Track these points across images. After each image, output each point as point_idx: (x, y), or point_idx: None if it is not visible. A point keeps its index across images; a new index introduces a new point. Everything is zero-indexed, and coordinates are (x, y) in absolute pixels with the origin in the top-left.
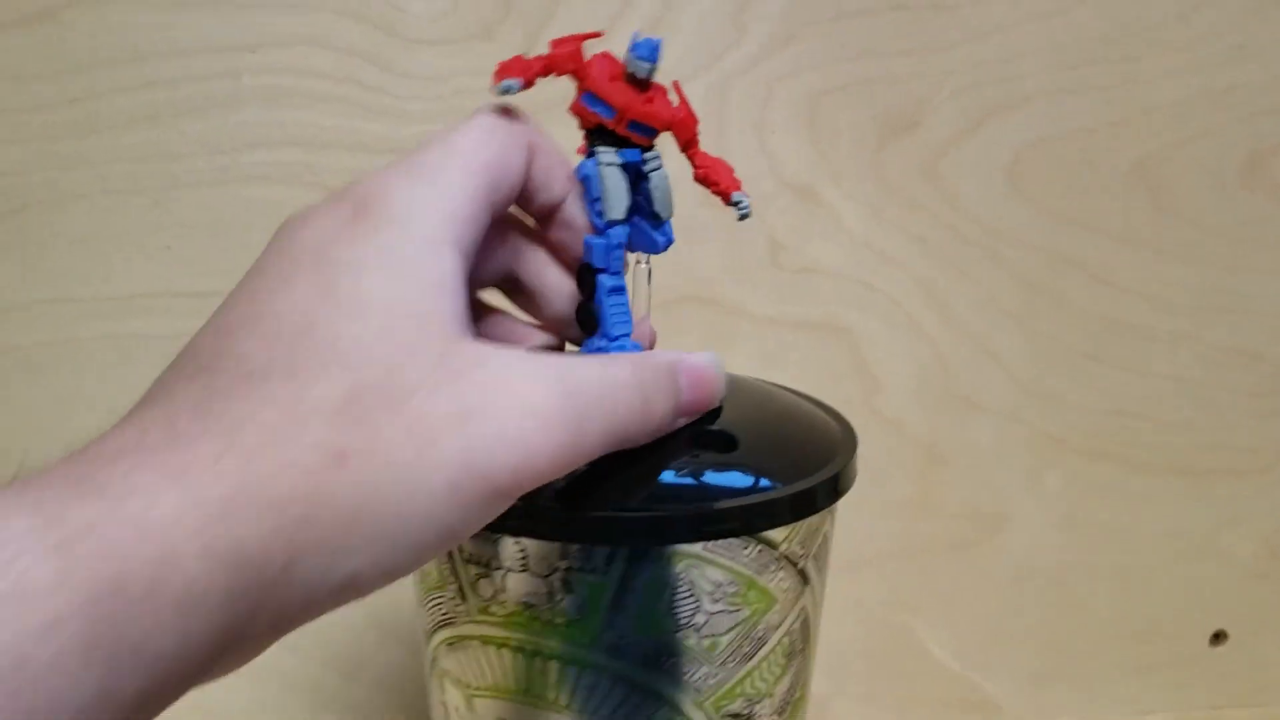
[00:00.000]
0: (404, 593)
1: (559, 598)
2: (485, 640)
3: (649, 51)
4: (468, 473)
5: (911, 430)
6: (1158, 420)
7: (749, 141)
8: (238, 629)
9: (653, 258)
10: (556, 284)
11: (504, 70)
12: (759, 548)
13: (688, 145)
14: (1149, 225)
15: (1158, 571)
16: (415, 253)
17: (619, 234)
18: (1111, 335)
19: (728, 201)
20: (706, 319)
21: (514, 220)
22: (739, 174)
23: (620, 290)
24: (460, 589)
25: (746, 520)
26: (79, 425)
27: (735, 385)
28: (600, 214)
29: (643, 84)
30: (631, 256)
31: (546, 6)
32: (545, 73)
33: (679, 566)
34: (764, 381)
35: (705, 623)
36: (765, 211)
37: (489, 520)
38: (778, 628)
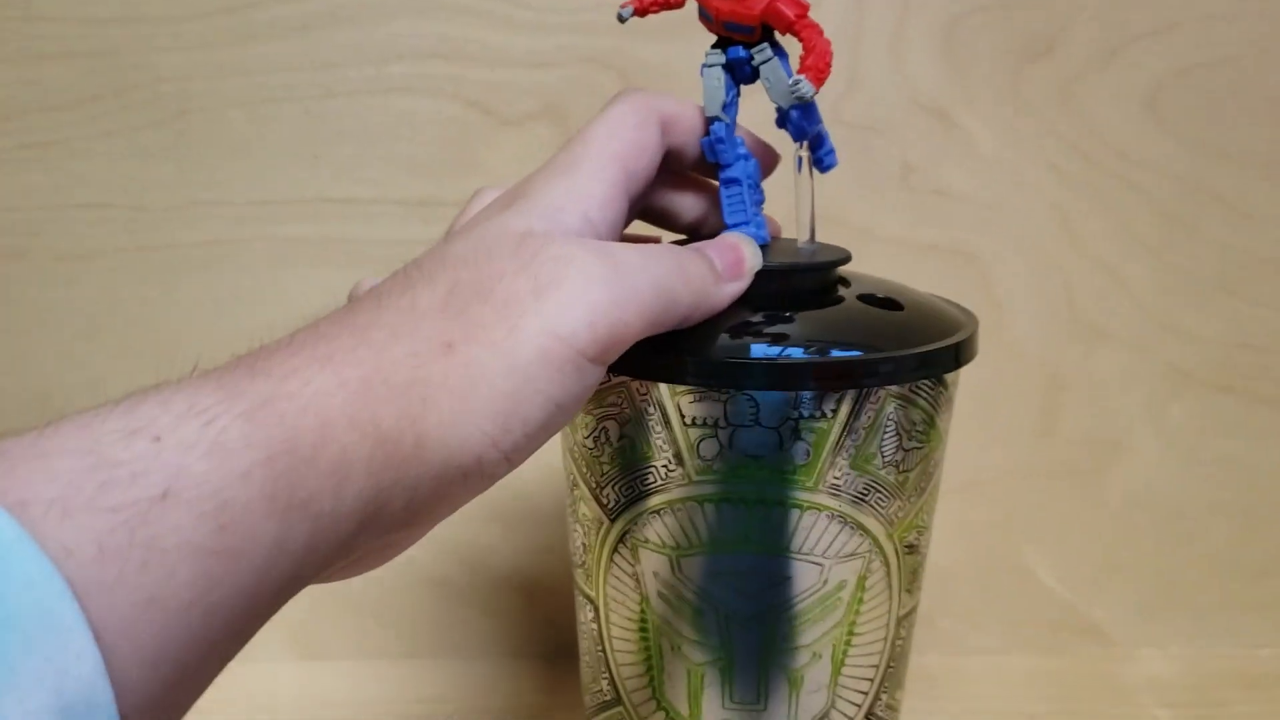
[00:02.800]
0: (526, 486)
1: (789, 445)
2: (704, 499)
3: None
4: (553, 338)
5: (1035, 356)
6: None
7: (883, 62)
8: (379, 501)
9: (778, 174)
10: (687, 202)
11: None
12: (940, 389)
13: (790, 31)
14: None
15: (1276, 508)
16: (532, 209)
17: (718, 128)
18: (1247, 268)
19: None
20: (834, 238)
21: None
22: (872, 92)
23: (734, 182)
24: (677, 454)
25: (939, 363)
26: (239, 326)
27: (872, 279)
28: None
29: None
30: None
31: None
32: (664, 8)
33: (890, 408)
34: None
35: (903, 459)
36: (899, 132)
37: (586, 388)
38: (940, 465)
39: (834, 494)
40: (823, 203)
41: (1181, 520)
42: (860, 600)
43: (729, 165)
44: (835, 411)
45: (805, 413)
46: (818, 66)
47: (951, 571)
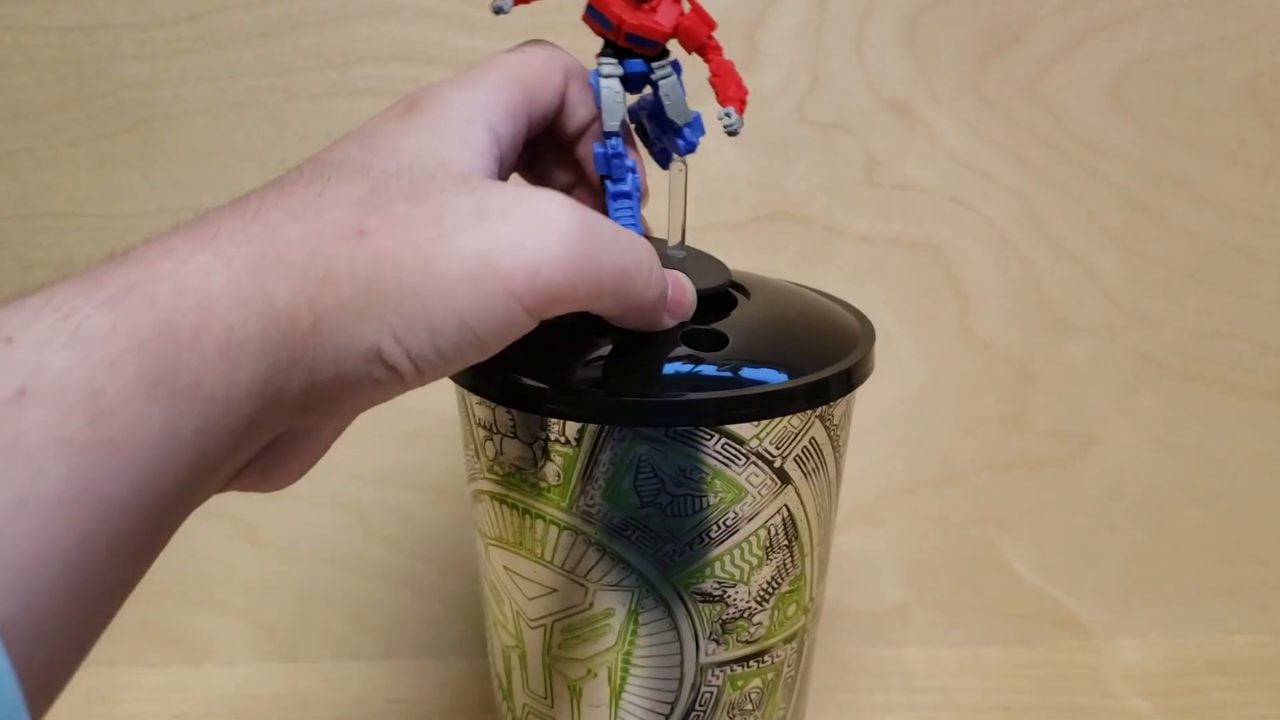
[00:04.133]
0: None
1: (540, 463)
2: (492, 496)
3: None
4: (485, 266)
5: (1003, 348)
6: (1257, 343)
7: (847, 56)
8: (276, 384)
9: (744, 173)
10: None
11: None
12: (723, 441)
13: (699, 52)
14: (1257, 144)
15: (1248, 495)
16: (448, 125)
17: (616, 144)
18: (1214, 256)
19: (719, 107)
20: (799, 235)
21: (551, 142)
22: (835, 89)
23: (624, 195)
24: (476, 449)
25: (695, 414)
26: None
27: (760, 285)
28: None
29: None
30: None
31: None
32: None
33: (642, 449)
34: (793, 285)
35: (669, 503)
36: (862, 128)
37: (511, 331)
38: (750, 520)
39: (587, 520)
40: (787, 200)
41: (1154, 509)
42: (634, 633)
43: (621, 179)
44: (579, 441)
45: (551, 435)
46: (740, 97)
47: (927, 564)
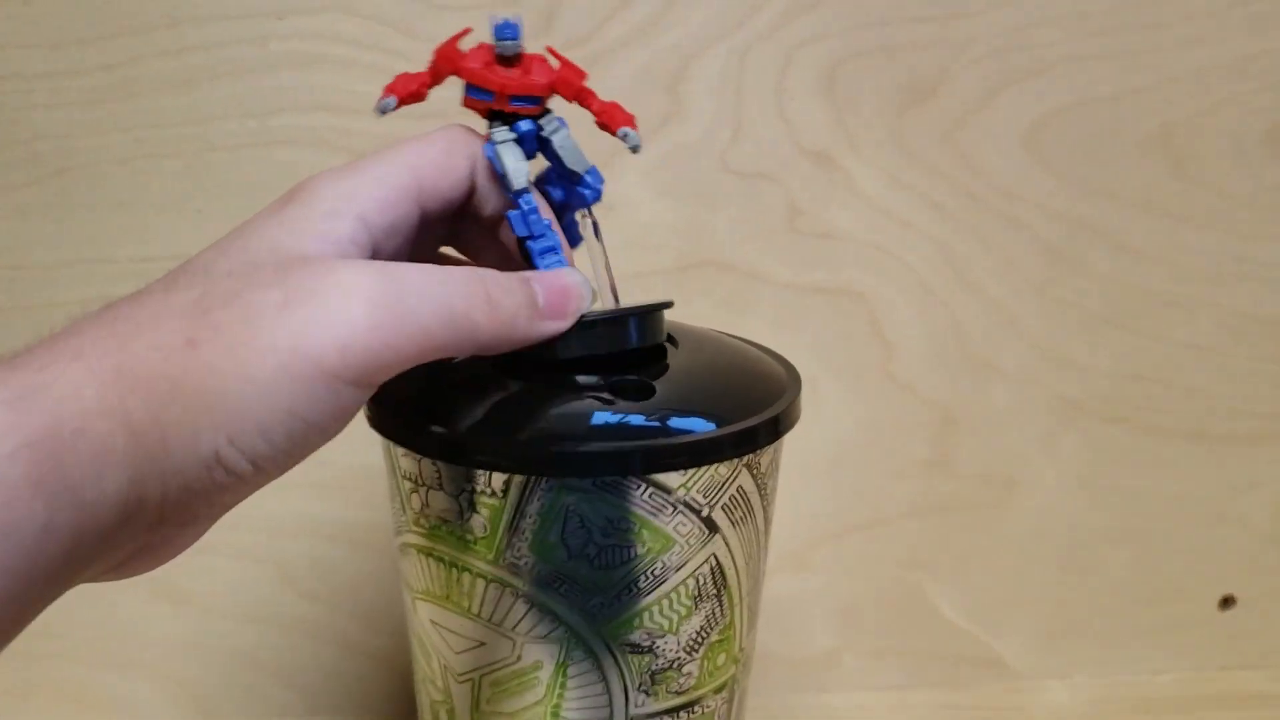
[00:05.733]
0: None
1: (467, 515)
2: (419, 549)
3: (507, 30)
4: (295, 354)
5: (927, 394)
6: (1175, 386)
7: (768, 108)
8: (138, 493)
9: (670, 222)
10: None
11: (385, 90)
12: (650, 490)
13: (578, 98)
14: (1169, 193)
15: (1170, 536)
16: (305, 218)
17: (529, 200)
18: (1130, 302)
19: (615, 135)
20: (723, 283)
21: (472, 224)
22: (758, 139)
23: (552, 250)
24: (402, 501)
25: (623, 464)
26: None
27: (686, 334)
28: (508, 187)
29: (513, 60)
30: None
31: None
32: (433, 81)
33: (569, 499)
34: (720, 333)
35: (597, 554)
36: (784, 177)
37: (343, 408)
38: (678, 569)
39: (515, 573)
40: (710, 248)
41: (1079, 550)
42: (563, 686)
43: (542, 235)
44: (505, 492)
45: (478, 487)
46: (626, 117)
47: (855, 608)
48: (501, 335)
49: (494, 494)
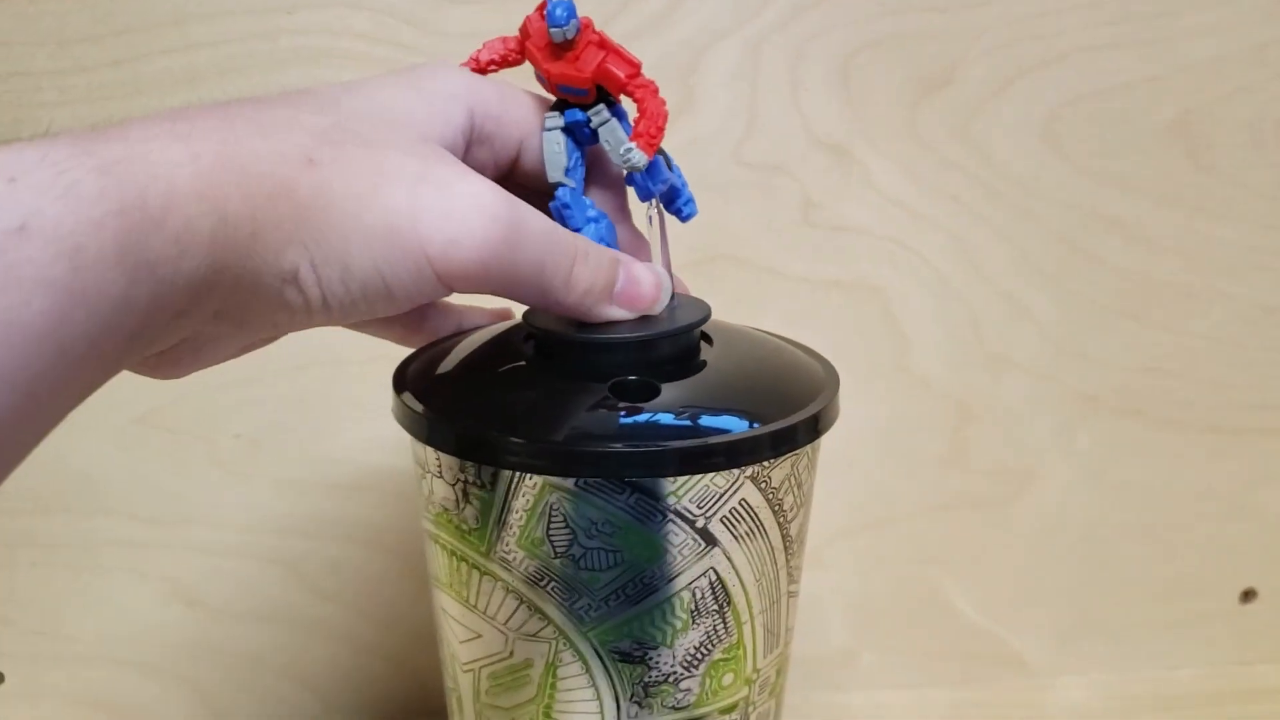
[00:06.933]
0: None
1: (462, 506)
2: (431, 536)
3: (555, 15)
4: (409, 223)
5: (942, 388)
6: (1191, 379)
7: (782, 100)
8: (210, 281)
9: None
10: None
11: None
12: (636, 496)
13: (623, 91)
14: (1186, 183)
15: (1188, 530)
16: (433, 91)
17: (564, 194)
18: (1146, 294)
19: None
20: (738, 277)
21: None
22: (771, 132)
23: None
24: (420, 488)
25: (600, 466)
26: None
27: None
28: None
29: (565, 47)
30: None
31: None
32: (501, 65)
33: (551, 497)
34: (755, 330)
35: (582, 555)
36: (798, 170)
37: (421, 292)
38: (670, 580)
39: (505, 567)
40: (725, 242)
41: (1094, 545)
42: (553, 686)
43: (578, 230)
44: (492, 486)
45: (469, 477)
46: (649, 133)
47: (871, 605)
48: (568, 305)
49: (483, 486)
